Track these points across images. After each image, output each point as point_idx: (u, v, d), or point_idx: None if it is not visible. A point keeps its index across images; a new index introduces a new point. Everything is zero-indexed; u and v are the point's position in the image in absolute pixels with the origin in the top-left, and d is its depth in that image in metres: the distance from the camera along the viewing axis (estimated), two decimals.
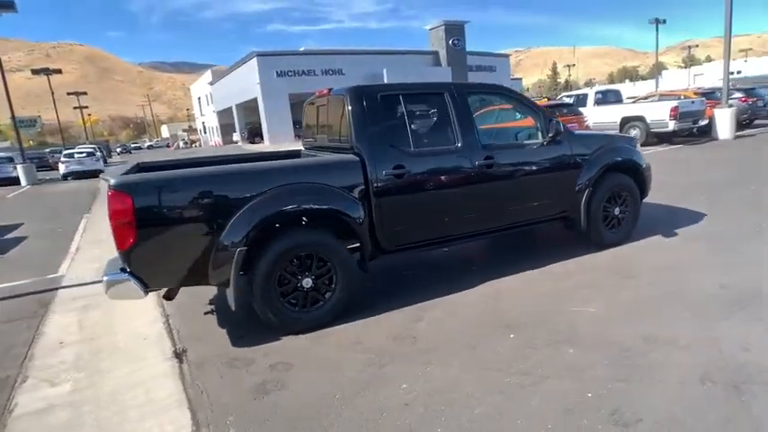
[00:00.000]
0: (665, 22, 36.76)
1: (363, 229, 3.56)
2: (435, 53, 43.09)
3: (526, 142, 4.38)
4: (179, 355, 3.34)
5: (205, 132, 63.51)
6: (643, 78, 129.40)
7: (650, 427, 2.19)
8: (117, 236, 2.98)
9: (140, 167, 4.03)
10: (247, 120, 45.92)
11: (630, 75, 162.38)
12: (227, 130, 51.98)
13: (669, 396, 2.40)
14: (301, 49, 48.97)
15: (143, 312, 4.15)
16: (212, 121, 57.54)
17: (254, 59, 37.19)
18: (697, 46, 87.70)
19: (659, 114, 13.24)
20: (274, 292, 3.33)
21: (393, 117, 3.79)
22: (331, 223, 3.51)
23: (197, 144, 65.49)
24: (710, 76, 52.10)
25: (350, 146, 3.67)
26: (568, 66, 78.98)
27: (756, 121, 16.53)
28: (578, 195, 4.48)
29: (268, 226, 3.23)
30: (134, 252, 3.01)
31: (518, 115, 4.61)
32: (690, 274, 3.98)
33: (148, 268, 3.09)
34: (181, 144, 67.18)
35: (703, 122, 13.69)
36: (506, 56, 50.51)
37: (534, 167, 4.28)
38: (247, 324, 3.61)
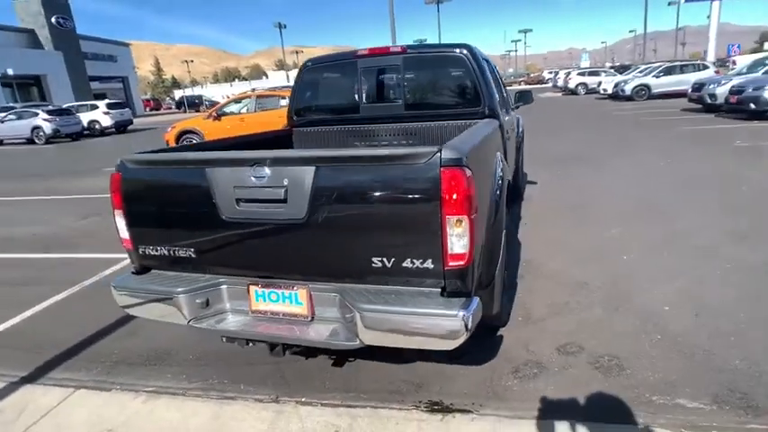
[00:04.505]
0: (285, 26, 41.78)
1: None
2: (31, 32, 33.47)
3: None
4: None
5: None
6: (245, 79, 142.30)
7: None
8: (470, 238, 1.80)
9: None
10: None
11: (233, 75, 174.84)
12: None
13: None
14: None
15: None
16: None
17: None
18: (302, 51, 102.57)
19: None
20: None
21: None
22: None
23: None
24: None
25: (481, 109, 3.25)
26: (186, 62, 76.77)
27: None
28: None
29: None
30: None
31: None
32: None
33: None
34: None
35: None
36: (127, 44, 44.60)
37: None
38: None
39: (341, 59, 3.67)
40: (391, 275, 1.92)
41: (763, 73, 12.28)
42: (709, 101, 13.14)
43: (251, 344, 2.29)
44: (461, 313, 1.78)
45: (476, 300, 1.88)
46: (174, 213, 2.20)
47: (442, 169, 1.74)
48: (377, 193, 1.86)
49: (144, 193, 2.25)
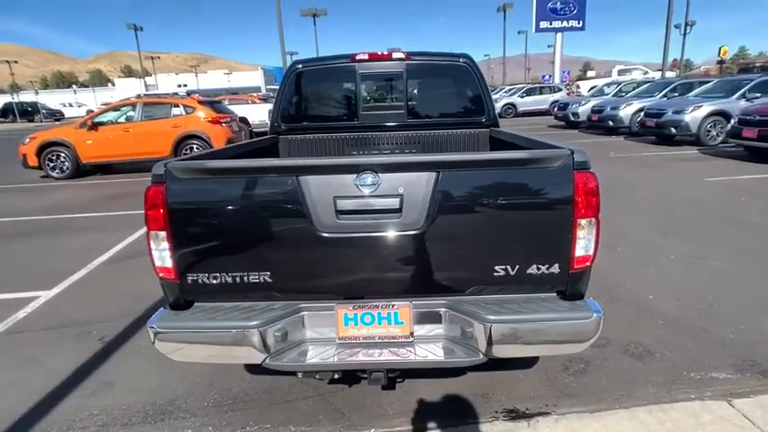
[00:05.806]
0: (142, 29, 37.82)
1: None
2: None
3: None
4: None
5: None
6: (85, 85, 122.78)
7: None
8: (596, 240, 1.84)
9: None
10: None
11: (68, 81, 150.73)
12: None
13: None
14: None
15: None
16: None
17: None
18: (159, 57, 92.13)
19: None
20: None
21: None
22: None
23: None
24: (163, 87, 58.66)
25: (485, 119, 3.34)
26: (9, 62, 63.94)
27: None
28: None
29: None
30: None
31: None
32: None
33: None
34: None
35: None
36: None
37: None
38: None
39: (337, 62, 3.45)
40: (510, 283, 1.86)
41: (613, 96, 14.89)
42: (572, 118, 15.40)
43: (336, 375, 2.02)
44: (595, 315, 1.80)
45: (592, 299, 1.91)
46: (246, 232, 1.83)
47: (575, 172, 1.76)
48: (505, 199, 1.79)
49: (201, 209, 1.83)
